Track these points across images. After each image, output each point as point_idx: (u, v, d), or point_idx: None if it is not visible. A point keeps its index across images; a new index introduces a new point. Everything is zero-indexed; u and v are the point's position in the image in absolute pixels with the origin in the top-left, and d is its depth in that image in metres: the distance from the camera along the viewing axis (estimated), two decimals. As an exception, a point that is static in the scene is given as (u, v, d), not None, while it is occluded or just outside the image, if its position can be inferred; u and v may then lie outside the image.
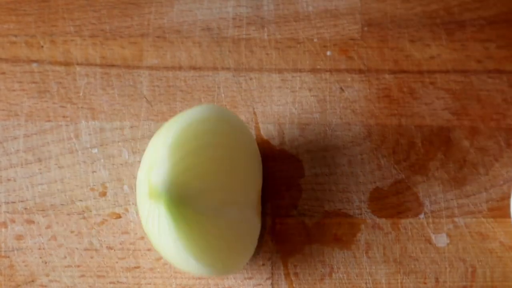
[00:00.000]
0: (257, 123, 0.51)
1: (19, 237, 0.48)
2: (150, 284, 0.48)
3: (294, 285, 0.48)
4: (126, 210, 0.49)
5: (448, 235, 0.49)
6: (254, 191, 0.46)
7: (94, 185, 0.49)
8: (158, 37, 0.53)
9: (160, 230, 0.41)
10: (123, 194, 0.49)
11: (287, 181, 0.50)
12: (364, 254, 0.48)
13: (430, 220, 0.49)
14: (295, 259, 0.48)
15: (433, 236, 0.49)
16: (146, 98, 0.51)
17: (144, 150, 0.50)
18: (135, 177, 0.49)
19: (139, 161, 0.50)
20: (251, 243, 0.46)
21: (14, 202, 0.49)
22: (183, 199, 0.41)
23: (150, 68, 0.52)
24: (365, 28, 0.53)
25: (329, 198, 0.50)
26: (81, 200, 0.49)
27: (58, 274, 0.48)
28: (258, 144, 0.50)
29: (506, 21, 0.53)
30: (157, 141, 0.43)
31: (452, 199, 0.50)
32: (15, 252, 0.48)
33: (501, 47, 0.53)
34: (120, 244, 0.48)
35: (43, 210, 0.49)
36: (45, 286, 0.47)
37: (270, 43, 0.52)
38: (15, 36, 0.52)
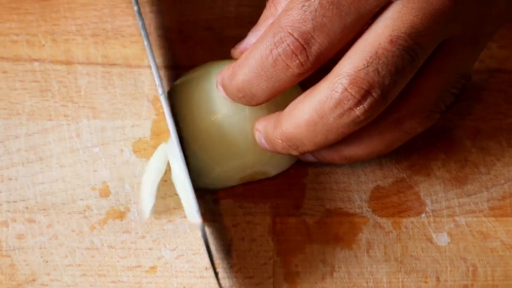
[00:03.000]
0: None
1: (20, 236, 0.48)
2: (151, 283, 0.48)
3: (295, 284, 0.48)
4: (127, 209, 0.49)
5: (449, 234, 0.49)
6: None
7: (95, 184, 0.49)
8: (159, 36, 0.53)
9: None
10: (124, 193, 0.49)
11: (288, 180, 0.50)
12: (365, 253, 0.48)
13: (431, 219, 0.49)
14: (296, 258, 0.48)
15: (434, 235, 0.49)
16: (147, 97, 0.51)
17: (145, 149, 0.50)
18: (136, 176, 0.49)
19: (140, 160, 0.50)
20: None
21: (15, 201, 0.49)
22: None
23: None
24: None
25: (330, 197, 0.50)
26: (82, 199, 0.49)
27: (59, 273, 0.48)
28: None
29: (508, 21, 0.53)
30: None
31: (453, 198, 0.50)
32: (16, 251, 0.48)
33: (503, 47, 0.53)
34: (121, 243, 0.48)
35: (44, 209, 0.49)
36: (46, 285, 0.47)
37: (271, 43, 0.52)
38: (17, 35, 0.52)
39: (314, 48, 0.40)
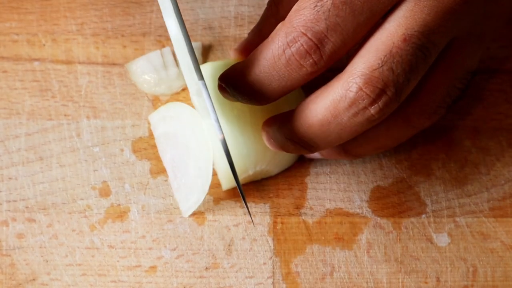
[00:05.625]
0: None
1: (20, 236, 0.48)
2: (151, 283, 0.48)
3: (295, 284, 0.48)
4: (128, 208, 0.49)
5: (449, 235, 0.49)
6: None
7: (96, 184, 0.49)
8: (159, 35, 0.53)
9: None
10: (125, 193, 0.49)
11: (288, 180, 0.50)
12: (365, 253, 0.48)
13: (432, 219, 0.49)
14: (296, 258, 0.48)
15: (434, 236, 0.49)
16: (147, 97, 0.51)
17: (145, 149, 0.50)
18: (136, 176, 0.49)
19: (140, 160, 0.50)
20: None
21: (15, 201, 0.49)
22: None
23: (152, 67, 0.52)
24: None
25: (331, 197, 0.50)
26: (82, 199, 0.49)
27: (59, 273, 0.48)
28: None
29: (509, 21, 0.53)
30: None
31: (453, 199, 0.50)
32: (16, 250, 0.48)
33: (503, 47, 0.53)
34: (121, 242, 0.48)
35: (44, 209, 0.49)
36: (46, 284, 0.47)
37: (271, 42, 0.52)
38: (17, 34, 0.52)
39: (328, 48, 0.40)
